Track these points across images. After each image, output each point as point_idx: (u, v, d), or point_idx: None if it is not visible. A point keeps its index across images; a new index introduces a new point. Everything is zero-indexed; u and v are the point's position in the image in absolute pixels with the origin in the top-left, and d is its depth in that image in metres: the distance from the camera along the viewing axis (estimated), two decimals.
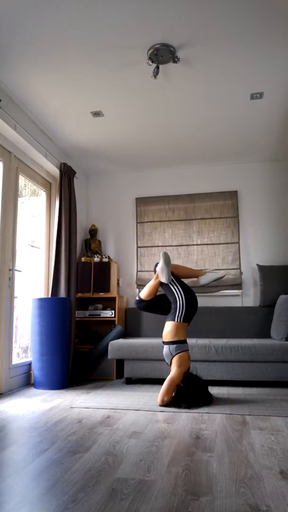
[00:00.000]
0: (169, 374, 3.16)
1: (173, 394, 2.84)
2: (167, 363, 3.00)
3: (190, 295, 3.02)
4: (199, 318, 4.39)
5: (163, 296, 3.15)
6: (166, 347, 2.99)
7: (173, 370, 2.90)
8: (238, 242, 4.63)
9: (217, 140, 4.18)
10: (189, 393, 2.80)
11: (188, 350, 2.99)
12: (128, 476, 1.61)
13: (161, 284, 3.08)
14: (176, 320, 2.97)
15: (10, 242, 3.47)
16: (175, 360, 2.92)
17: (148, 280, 4.73)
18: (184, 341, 2.98)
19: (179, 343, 2.95)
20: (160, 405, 2.79)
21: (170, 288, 3.02)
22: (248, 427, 2.30)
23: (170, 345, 2.96)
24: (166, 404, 2.79)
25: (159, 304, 3.15)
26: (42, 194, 4.30)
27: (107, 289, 4.39)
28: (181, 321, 2.97)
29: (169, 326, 3.00)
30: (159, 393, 2.86)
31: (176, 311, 2.98)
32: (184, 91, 3.28)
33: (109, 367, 4.00)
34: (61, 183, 4.11)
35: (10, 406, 2.85)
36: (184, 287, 3.04)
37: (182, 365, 2.90)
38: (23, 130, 3.49)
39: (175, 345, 2.95)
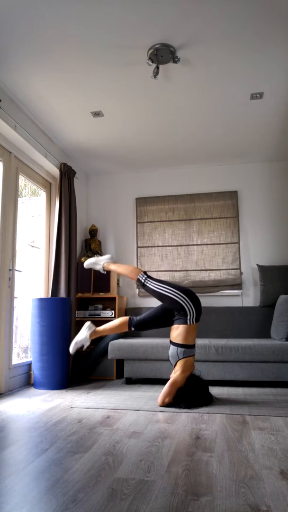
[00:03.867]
0: (170, 373, 3.16)
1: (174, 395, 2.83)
2: (171, 363, 2.95)
3: (190, 294, 2.92)
4: None
5: (161, 311, 3.04)
6: (173, 348, 2.88)
7: (177, 373, 2.85)
8: (238, 242, 4.63)
9: (217, 140, 4.18)
10: (190, 393, 2.79)
11: (194, 354, 2.91)
12: (128, 476, 1.61)
13: (153, 292, 2.95)
14: (189, 323, 2.85)
15: (10, 242, 3.47)
16: (180, 364, 2.84)
17: None
18: (193, 346, 2.88)
19: (188, 348, 2.86)
20: (161, 406, 2.79)
21: (166, 295, 2.89)
22: (248, 427, 2.30)
23: (179, 348, 2.85)
24: (167, 405, 2.79)
25: (161, 320, 3.03)
26: (42, 194, 4.30)
27: (107, 289, 4.39)
28: (194, 322, 2.87)
29: (180, 329, 2.87)
30: (160, 394, 2.85)
31: (187, 315, 2.86)
32: (184, 91, 3.28)
33: (109, 367, 4.00)
34: (61, 183, 4.11)
35: (10, 406, 2.85)
36: (178, 288, 2.92)
37: (187, 370, 2.85)
38: (23, 130, 3.49)
39: (183, 349, 2.84)
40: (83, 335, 2.99)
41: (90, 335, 2.99)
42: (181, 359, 2.85)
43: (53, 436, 2.13)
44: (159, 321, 3.02)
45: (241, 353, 3.43)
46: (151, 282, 2.97)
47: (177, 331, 2.88)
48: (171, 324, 2.99)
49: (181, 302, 2.87)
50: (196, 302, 2.91)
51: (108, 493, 1.46)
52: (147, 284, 2.97)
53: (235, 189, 4.77)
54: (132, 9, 2.42)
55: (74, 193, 4.31)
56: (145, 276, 3.00)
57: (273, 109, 3.55)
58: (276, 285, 4.23)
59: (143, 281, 2.97)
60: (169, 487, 1.51)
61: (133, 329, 2.99)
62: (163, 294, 2.91)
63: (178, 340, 2.86)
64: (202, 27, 2.56)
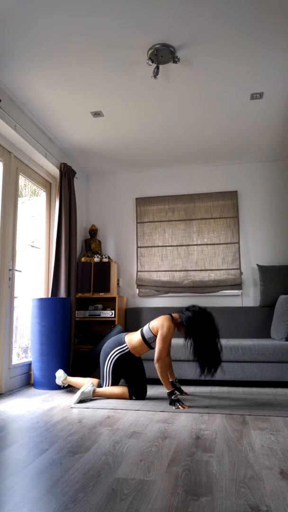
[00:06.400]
0: (172, 373, 3.16)
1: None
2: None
3: (101, 356, 3.13)
4: None
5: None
6: (155, 348, 2.95)
7: (159, 328, 2.91)
8: (238, 242, 4.63)
9: (217, 140, 4.18)
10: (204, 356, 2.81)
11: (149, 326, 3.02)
12: (128, 476, 1.61)
13: (108, 369, 3.08)
14: (126, 348, 3.03)
15: (10, 242, 3.47)
16: (153, 325, 2.94)
17: (148, 281, 4.74)
18: (137, 329, 3.07)
19: (145, 339, 2.97)
20: (156, 362, 2.83)
21: (111, 364, 3.06)
22: (248, 427, 2.30)
23: (143, 335, 2.97)
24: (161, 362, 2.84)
25: (133, 368, 3.09)
26: (42, 194, 4.30)
27: (107, 289, 4.39)
28: (125, 342, 3.04)
29: (134, 348, 3.01)
30: (155, 352, 2.88)
31: (120, 349, 3.05)
32: (184, 91, 3.28)
33: None
34: (61, 183, 4.11)
35: (10, 406, 2.85)
36: (106, 363, 3.08)
37: (161, 322, 2.90)
38: (23, 130, 3.49)
39: (145, 339, 2.96)
40: (88, 389, 2.99)
41: (93, 392, 3.02)
42: (153, 337, 2.94)
43: (53, 436, 2.13)
44: (134, 369, 3.08)
45: (241, 353, 3.43)
46: (108, 373, 3.07)
47: (136, 350, 3.02)
48: (138, 360, 3.10)
49: (114, 357, 3.04)
50: (103, 355, 3.10)
51: (108, 493, 1.46)
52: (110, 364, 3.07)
53: (235, 189, 4.77)
54: (132, 9, 2.42)
55: (74, 193, 4.31)
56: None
57: (273, 109, 3.55)
58: (276, 285, 4.23)
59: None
60: (169, 487, 1.51)
61: (134, 398, 3.03)
62: (109, 366, 3.06)
63: (139, 348, 3.01)
64: (202, 27, 2.56)
